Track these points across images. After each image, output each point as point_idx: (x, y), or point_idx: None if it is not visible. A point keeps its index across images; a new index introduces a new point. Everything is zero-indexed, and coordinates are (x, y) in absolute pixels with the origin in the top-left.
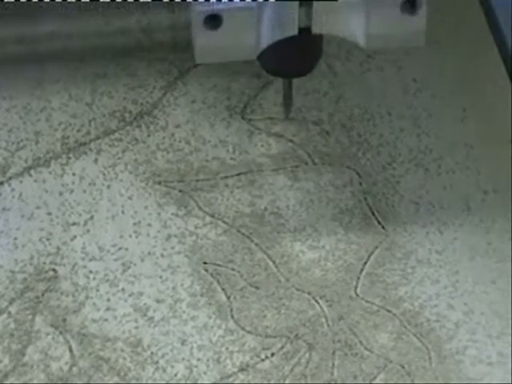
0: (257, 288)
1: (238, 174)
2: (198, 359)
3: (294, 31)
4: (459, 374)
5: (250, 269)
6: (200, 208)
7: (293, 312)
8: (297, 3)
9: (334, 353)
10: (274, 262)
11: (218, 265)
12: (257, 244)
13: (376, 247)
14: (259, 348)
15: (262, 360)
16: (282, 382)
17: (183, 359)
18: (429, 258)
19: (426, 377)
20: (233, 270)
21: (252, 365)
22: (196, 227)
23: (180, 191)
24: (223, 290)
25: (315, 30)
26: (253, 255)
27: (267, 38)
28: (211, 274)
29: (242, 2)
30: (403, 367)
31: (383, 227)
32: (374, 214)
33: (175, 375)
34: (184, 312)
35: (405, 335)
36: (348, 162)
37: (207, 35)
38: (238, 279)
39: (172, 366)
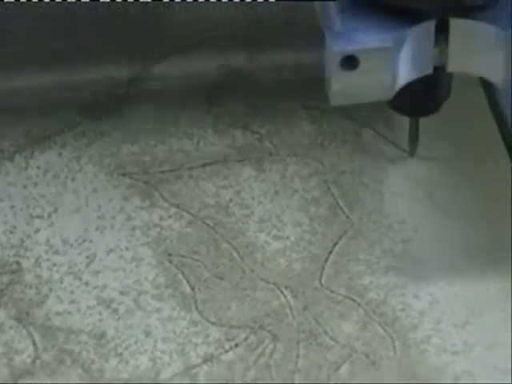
0: (221, 279)
1: (203, 165)
2: (162, 351)
3: (430, 70)
4: (424, 363)
5: (215, 260)
6: (165, 199)
7: (257, 303)
8: (432, 42)
9: (298, 343)
10: (238, 253)
11: (183, 256)
12: (221, 235)
13: (341, 237)
14: (223, 339)
15: (226, 351)
16: (246, 372)
17: (146, 351)
18: (393, 248)
19: (391, 366)
20: (197, 261)
21: (216, 356)
22: (160, 219)
23: (144, 183)
24: (188, 281)
25: (450, 68)
26: (217, 246)
27: (404, 78)
28: (176, 266)
29: (379, 42)
30: (368, 356)
31: (348, 217)
32: (338, 203)
33: (138, 367)
34: (148, 304)
35: (369, 324)
36: (313, 152)
37: (343, 77)
38: (202, 270)
39: (136, 358)
